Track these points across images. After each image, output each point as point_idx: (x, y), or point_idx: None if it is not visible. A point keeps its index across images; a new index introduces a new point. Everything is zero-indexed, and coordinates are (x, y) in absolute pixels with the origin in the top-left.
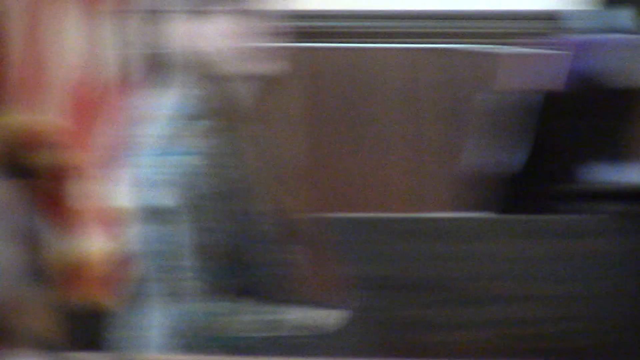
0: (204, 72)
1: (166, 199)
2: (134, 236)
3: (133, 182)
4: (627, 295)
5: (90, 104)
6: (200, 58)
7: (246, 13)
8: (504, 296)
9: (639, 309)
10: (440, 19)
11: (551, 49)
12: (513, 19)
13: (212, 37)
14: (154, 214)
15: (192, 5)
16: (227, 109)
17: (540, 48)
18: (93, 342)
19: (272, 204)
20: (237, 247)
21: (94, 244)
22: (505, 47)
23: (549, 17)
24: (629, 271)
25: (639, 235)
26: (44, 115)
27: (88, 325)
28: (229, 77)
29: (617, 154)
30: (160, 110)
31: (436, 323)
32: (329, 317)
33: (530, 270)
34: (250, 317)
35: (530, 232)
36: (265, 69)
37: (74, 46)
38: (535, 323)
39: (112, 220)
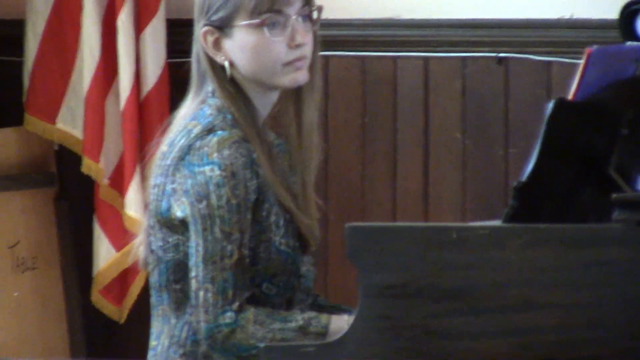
0: (226, 82)
1: (179, 208)
2: (146, 245)
3: (147, 191)
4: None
5: (105, 113)
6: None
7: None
8: (523, 304)
9: None
10: (461, 27)
11: (574, 57)
12: (534, 27)
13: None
14: (165, 224)
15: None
16: (249, 120)
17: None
18: (105, 351)
19: (290, 214)
20: (249, 257)
21: (110, 252)
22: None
23: (571, 26)
24: None
25: None
26: (66, 124)
27: (100, 334)
28: (261, 88)
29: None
30: (178, 120)
31: (448, 332)
32: (340, 325)
33: (550, 279)
34: (258, 327)
35: (542, 240)
36: (301, 80)
37: (93, 55)
38: (549, 332)
39: (125, 228)
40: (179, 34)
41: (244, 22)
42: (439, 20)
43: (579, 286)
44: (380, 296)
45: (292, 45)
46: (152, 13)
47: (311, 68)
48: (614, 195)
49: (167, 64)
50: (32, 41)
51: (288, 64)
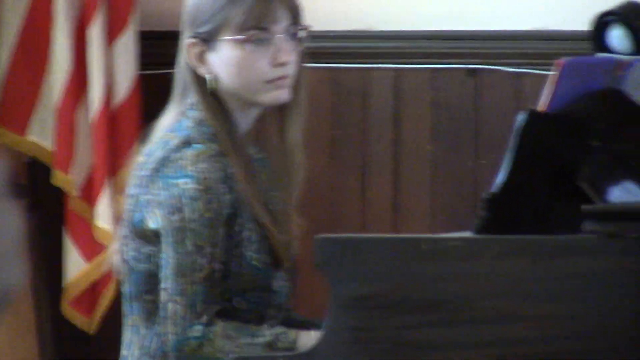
0: (206, 95)
1: (152, 220)
2: (117, 256)
3: (119, 202)
4: (620, 315)
5: (76, 125)
6: (217, 83)
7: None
8: (497, 316)
9: (632, 329)
10: (432, 39)
11: (545, 69)
12: (505, 39)
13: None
14: (138, 235)
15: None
16: (228, 134)
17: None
18: None
19: (265, 230)
20: (220, 271)
21: (80, 264)
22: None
23: (543, 38)
24: (622, 291)
25: (626, 255)
26: (37, 136)
27: (71, 345)
28: (239, 104)
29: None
30: (155, 131)
31: (420, 344)
32: (308, 341)
33: (523, 290)
34: (226, 341)
35: (514, 251)
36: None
37: (64, 67)
38: (522, 344)
39: (95, 240)
40: (150, 46)
41: (229, 37)
42: (410, 32)
43: (551, 298)
44: (350, 308)
45: (276, 63)
46: (123, 25)
47: (296, 87)
48: (584, 207)
49: (138, 76)
50: (3, 53)
51: (270, 81)
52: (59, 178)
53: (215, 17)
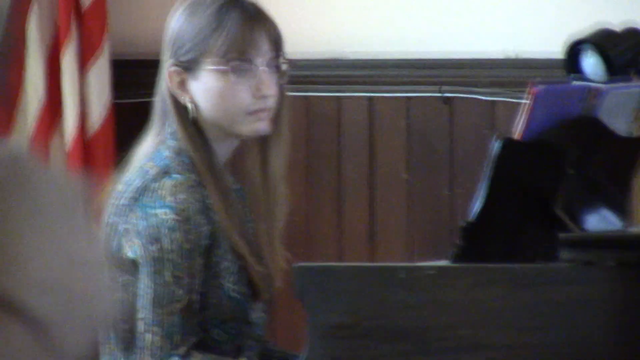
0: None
1: (130, 249)
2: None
3: (97, 231)
4: (596, 343)
5: (50, 153)
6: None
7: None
8: (474, 345)
9: (609, 357)
10: (406, 66)
11: (519, 97)
12: (479, 67)
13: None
14: (116, 263)
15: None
16: (206, 164)
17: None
18: None
19: (243, 261)
20: (198, 302)
21: None
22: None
23: (516, 65)
24: (598, 319)
25: (602, 283)
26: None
27: None
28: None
29: (575, 201)
30: (132, 159)
31: None
32: None
33: (500, 319)
34: None
35: (491, 280)
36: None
37: (38, 94)
38: None
39: None
40: (123, 75)
41: (212, 67)
42: (383, 60)
43: (528, 326)
44: (328, 337)
45: (258, 95)
46: (97, 53)
47: (278, 119)
48: (561, 235)
49: (112, 105)
50: None
51: (251, 113)
52: None
53: (197, 46)
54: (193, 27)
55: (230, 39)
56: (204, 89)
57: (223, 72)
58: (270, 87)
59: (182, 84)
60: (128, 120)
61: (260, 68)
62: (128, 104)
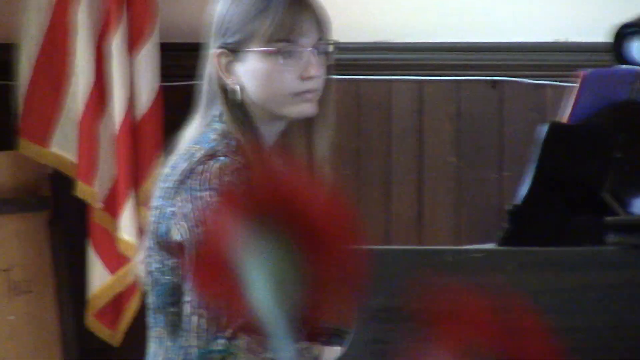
0: (236, 108)
1: (177, 232)
2: (140, 268)
3: (142, 214)
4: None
5: (98, 137)
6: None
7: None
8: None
9: None
10: (455, 51)
11: (568, 81)
12: (528, 51)
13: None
14: (163, 247)
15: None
16: (253, 146)
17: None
18: None
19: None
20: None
21: (104, 276)
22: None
23: (564, 49)
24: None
25: None
26: (59, 148)
27: (95, 358)
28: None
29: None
30: (179, 143)
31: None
32: (332, 357)
33: (546, 302)
34: (250, 355)
35: (537, 263)
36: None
37: (86, 79)
38: None
39: (119, 252)
40: (172, 58)
41: (258, 49)
42: (433, 43)
43: (574, 310)
44: (374, 320)
45: (304, 77)
46: (145, 37)
47: (323, 101)
48: (608, 219)
49: (160, 88)
50: (26, 65)
51: (297, 94)
52: (82, 190)
53: (244, 28)
54: (240, 10)
55: (277, 21)
56: (251, 71)
57: (269, 54)
58: (316, 69)
59: (228, 67)
60: (175, 103)
61: (307, 50)
62: (174, 87)
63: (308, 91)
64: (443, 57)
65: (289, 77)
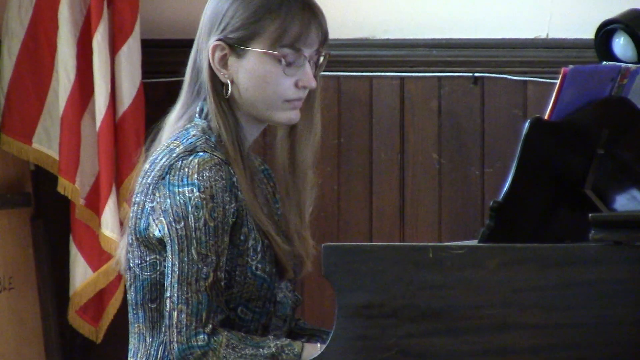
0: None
1: (157, 228)
2: (122, 264)
3: (125, 211)
4: (625, 323)
5: (81, 134)
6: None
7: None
8: (501, 324)
9: (637, 337)
10: (437, 47)
11: (550, 77)
12: (509, 47)
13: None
14: (143, 242)
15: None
16: (234, 142)
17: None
18: None
19: (268, 239)
20: (224, 280)
21: (87, 272)
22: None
23: (547, 46)
24: (627, 299)
25: (632, 263)
26: (42, 144)
27: (77, 354)
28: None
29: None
30: (162, 139)
31: (425, 352)
32: (313, 353)
33: (528, 299)
34: (230, 351)
35: (519, 260)
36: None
37: (68, 75)
38: (526, 352)
39: (101, 248)
40: (153, 54)
41: (261, 49)
42: (414, 40)
43: (556, 306)
44: (356, 316)
45: (300, 85)
46: (127, 34)
47: (312, 109)
48: (591, 215)
49: (142, 84)
50: (8, 62)
51: (289, 101)
52: (65, 186)
53: (250, 26)
54: (248, 6)
55: (287, 26)
56: (249, 69)
57: (272, 57)
58: (313, 80)
59: (223, 60)
60: (158, 99)
61: (307, 60)
62: (156, 84)
63: (298, 99)
64: (424, 54)
65: (285, 84)
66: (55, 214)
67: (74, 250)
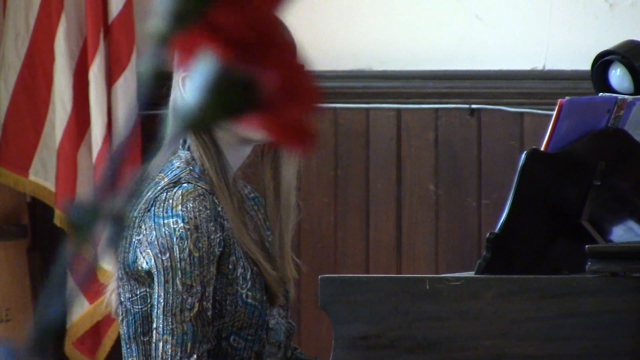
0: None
1: (144, 260)
2: (113, 296)
3: (112, 243)
4: (622, 355)
5: (77, 165)
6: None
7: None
8: (491, 356)
9: None
10: (433, 78)
11: (547, 109)
12: (506, 79)
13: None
14: (134, 275)
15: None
16: (218, 172)
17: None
18: None
19: (257, 266)
20: (210, 310)
21: (83, 304)
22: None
23: (544, 77)
24: (624, 330)
25: (629, 294)
26: (38, 176)
27: None
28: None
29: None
30: (146, 172)
31: None
32: None
33: (525, 330)
34: None
35: (516, 291)
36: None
37: (65, 107)
38: None
39: (98, 280)
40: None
41: None
42: (411, 71)
43: (553, 338)
44: (353, 347)
45: None
46: (124, 65)
47: None
48: (588, 247)
49: (138, 116)
50: (4, 93)
51: None
52: (61, 218)
53: None
54: None
55: None
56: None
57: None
58: None
59: None
60: (154, 131)
61: None
62: (151, 116)
63: None
64: (421, 85)
65: None
66: (51, 245)
67: (70, 282)
